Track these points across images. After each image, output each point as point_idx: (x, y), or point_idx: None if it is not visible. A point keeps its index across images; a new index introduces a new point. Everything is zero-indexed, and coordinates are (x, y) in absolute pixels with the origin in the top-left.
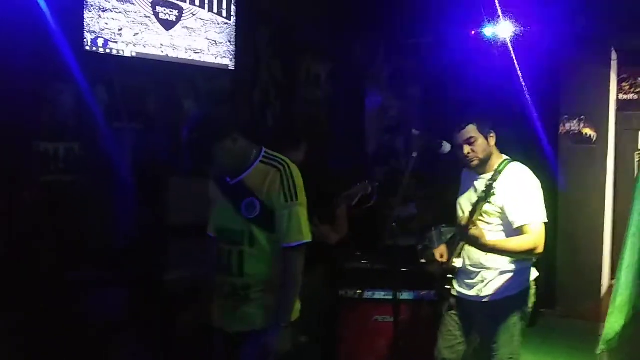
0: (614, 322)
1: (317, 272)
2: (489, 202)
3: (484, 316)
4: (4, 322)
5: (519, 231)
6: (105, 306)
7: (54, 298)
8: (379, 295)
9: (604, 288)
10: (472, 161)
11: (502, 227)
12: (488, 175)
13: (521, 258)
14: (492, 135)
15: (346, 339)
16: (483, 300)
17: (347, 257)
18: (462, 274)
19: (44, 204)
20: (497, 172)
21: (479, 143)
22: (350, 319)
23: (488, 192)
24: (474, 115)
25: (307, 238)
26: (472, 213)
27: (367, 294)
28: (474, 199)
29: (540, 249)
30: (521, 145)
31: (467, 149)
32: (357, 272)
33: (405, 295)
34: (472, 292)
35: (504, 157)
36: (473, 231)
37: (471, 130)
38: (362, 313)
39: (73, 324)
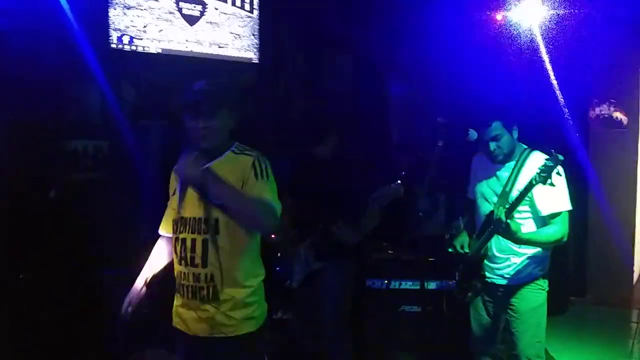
0: None
1: (346, 264)
2: (520, 191)
3: (510, 300)
4: (35, 318)
5: (545, 219)
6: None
7: (85, 295)
8: (406, 285)
9: (636, 275)
10: (498, 156)
11: (530, 215)
12: (511, 164)
13: (548, 248)
14: (515, 129)
15: (373, 329)
16: (509, 284)
17: (373, 248)
18: (489, 260)
19: (74, 201)
20: (521, 161)
21: (505, 139)
22: (377, 310)
23: (548, 175)
24: (498, 111)
25: (278, 207)
26: (513, 205)
27: (394, 284)
28: (498, 189)
29: (566, 238)
30: (550, 131)
31: (493, 145)
32: (383, 262)
33: (432, 285)
34: (498, 277)
35: (523, 145)
36: (512, 225)
37: (497, 127)
38: (389, 303)
39: (104, 320)
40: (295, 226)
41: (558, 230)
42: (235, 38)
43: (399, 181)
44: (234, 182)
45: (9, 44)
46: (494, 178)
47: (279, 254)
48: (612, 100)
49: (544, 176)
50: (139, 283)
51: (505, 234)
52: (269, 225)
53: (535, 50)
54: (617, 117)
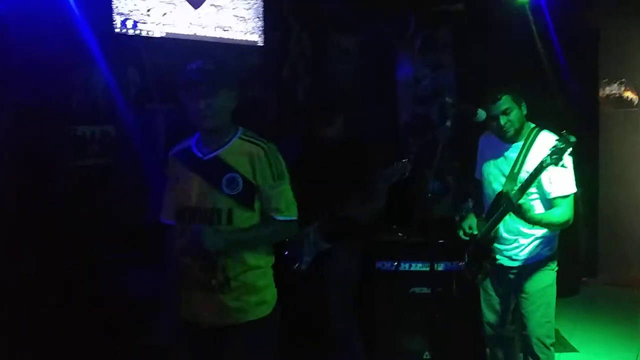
0: None
1: (354, 245)
2: (528, 172)
3: (519, 281)
4: (43, 304)
5: (552, 201)
6: (141, 286)
7: (93, 280)
8: (416, 267)
9: None
10: (509, 131)
11: (537, 197)
12: (519, 144)
13: (555, 230)
14: (523, 104)
15: (383, 311)
16: (518, 265)
17: (383, 230)
18: (498, 241)
19: (81, 186)
20: (530, 141)
21: (515, 113)
22: (387, 291)
23: (560, 156)
24: (507, 86)
25: (295, 215)
26: (526, 186)
27: (404, 266)
28: (506, 169)
29: (572, 221)
30: (559, 111)
31: (504, 119)
32: (393, 244)
33: (441, 267)
34: (507, 258)
35: (531, 124)
36: (525, 205)
37: (506, 101)
38: (398, 285)
39: (111, 304)
40: (303, 209)
41: (565, 213)
42: (240, 21)
43: (405, 160)
44: (244, 172)
45: (11, 28)
46: (502, 158)
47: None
48: (622, 80)
49: (555, 158)
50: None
51: (517, 214)
52: (290, 237)
53: (543, 29)
54: (627, 97)
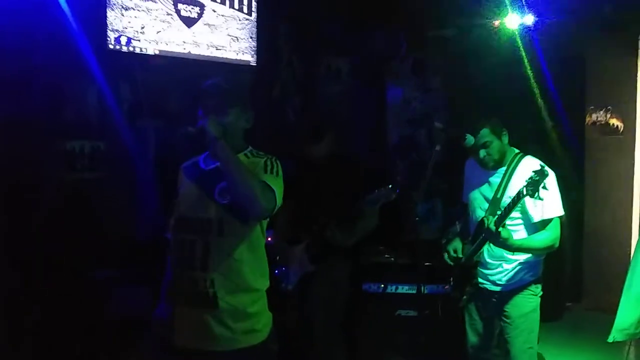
0: (628, 311)
1: (340, 266)
2: (511, 198)
3: (503, 305)
4: (30, 319)
5: (537, 225)
6: (130, 303)
7: (79, 296)
8: (402, 289)
9: None
10: (489, 163)
11: (521, 222)
12: (502, 170)
13: (541, 254)
14: (505, 133)
15: (369, 333)
16: (502, 289)
17: (370, 252)
18: (481, 266)
19: (70, 201)
20: (512, 167)
21: (494, 145)
22: (373, 314)
23: (535, 188)
24: (486, 118)
25: (278, 195)
26: (503, 215)
27: (390, 289)
28: (490, 194)
29: (557, 244)
30: (546, 137)
31: (482, 152)
32: (380, 266)
33: (428, 289)
34: (490, 283)
35: (515, 150)
36: (503, 233)
37: (485, 134)
38: (385, 307)
39: (98, 321)
40: (292, 229)
41: (549, 237)
42: (233, 40)
43: (390, 185)
44: None
45: (5, 43)
46: (486, 184)
47: (277, 258)
48: (608, 107)
49: (531, 189)
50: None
51: (496, 242)
52: (266, 209)
53: (531, 56)
54: (613, 124)
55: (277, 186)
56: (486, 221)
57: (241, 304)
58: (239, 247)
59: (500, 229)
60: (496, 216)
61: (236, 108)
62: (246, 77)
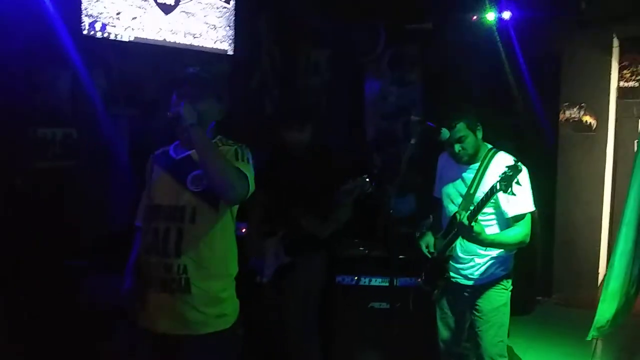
0: (605, 309)
1: (316, 258)
2: (484, 193)
3: (474, 299)
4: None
5: (509, 221)
6: (102, 293)
7: (51, 285)
8: (376, 282)
9: (601, 277)
10: (463, 158)
11: (494, 217)
12: (476, 165)
13: (512, 250)
14: (479, 129)
15: (342, 325)
16: (473, 284)
17: (344, 244)
18: (454, 260)
19: (41, 189)
20: (486, 162)
21: (469, 140)
22: (347, 306)
23: (508, 184)
24: (462, 113)
25: (250, 179)
26: (476, 210)
27: (364, 281)
28: (463, 190)
29: (528, 240)
30: (520, 133)
31: (457, 147)
32: (354, 259)
33: (401, 282)
34: (462, 277)
35: (488, 145)
36: (476, 228)
37: (461, 129)
38: (358, 300)
39: (70, 311)
40: (267, 221)
41: (520, 233)
42: (211, 29)
43: (366, 176)
44: None
45: None
46: (459, 180)
47: (251, 249)
48: (582, 104)
49: (504, 185)
50: (129, 277)
51: (468, 237)
52: (240, 195)
53: (507, 52)
54: (586, 121)
55: (249, 172)
56: (459, 216)
57: (213, 289)
58: (210, 233)
59: (473, 223)
60: (469, 211)
61: (211, 98)
62: (223, 67)
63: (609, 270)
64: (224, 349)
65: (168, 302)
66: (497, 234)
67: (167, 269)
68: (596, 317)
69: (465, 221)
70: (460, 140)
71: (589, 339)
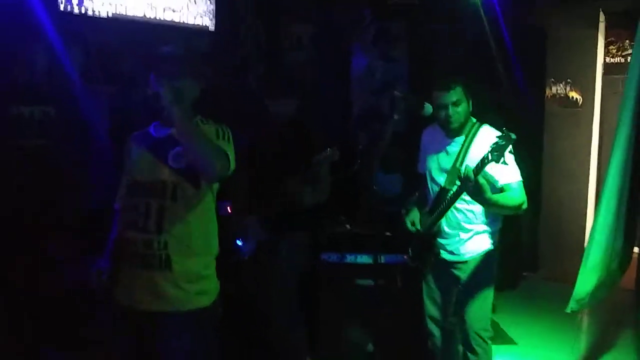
0: (585, 281)
1: (297, 237)
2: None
3: (459, 274)
4: None
5: (500, 190)
6: (83, 273)
7: (31, 266)
8: (361, 259)
9: None
10: (454, 124)
11: None
12: (461, 139)
13: (510, 213)
14: (470, 100)
15: (327, 302)
16: (459, 259)
17: (329, 221)
18: (439, 235)
19: (19, 167)
20: (471, 136)
21: (463, 106)
22: (332, 283)
23: (500, 153)
24: (461, 78)
25: (232, 161)
26: (481, 166)
27: (349, 258)
28: (448, 164)
29: (525, 206)
30: (506, 108)
31: (452, 109)
32: (339, 236)
33: (387, 259)
34: (448, 252)
35: (473, 119)
36: (481, 182)
37: (458, 92)
38: (343, 277)
39: (51, 291)
40: (249, 198)
41: (519, 197)
42: (191, 3)
43: (333, 147)
44: None
45: None
46: (444, 153)
47: (234, 228)
48: (568, 80)
49: (496, 154)
50: (107, 256)
51: (473, 192)
52: (220, 172)
53: (493, 27)
54: (572, 97)
55: (230, 151)
56: (462, 171)
57: (194, 266)
58: (191, 211)
59: (479, 177)
60: (472, 168)
61: (189, 76)
62: (204, 42)
63: (589, 243)
64: (204, 326)
65: (148, 278)
66: (499, 194)
67: (148, 245)
68: (575, 290)
69: (471, 175)
70: (456, 104)
71: (567, 311)
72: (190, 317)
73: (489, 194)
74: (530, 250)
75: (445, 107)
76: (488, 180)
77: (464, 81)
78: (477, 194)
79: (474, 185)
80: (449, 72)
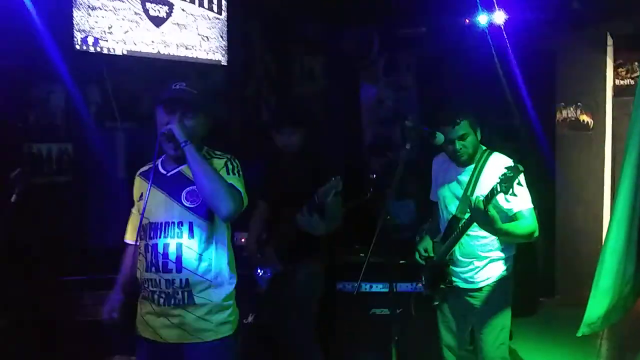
0: (596, 305)
1: (313, 266)
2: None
3: (475, 302)
4: None
5: (511, 219)
6: (99, 308)
7: (47, 301)
8: (377, 288)
9: None
10: (462, 157)
11: None
12: (471, 167)
13: (522, 242)
14: (479, 129)
15: (343, 332)
16: (474, 287)
17: (344, 251)
18: (452, 264)
19: (37, 205)
20: (481, 164)
21: (470, 139)
22: (348, 312)
23: (509, 184)
24: (467, 111)
25: (245, 197)
26: (490, 196)
27: (364, 287)
28: (459, 192)
29: (537, 232)
30: (517, 134)
31: (459, 144)
32: (354, 265)
33: (402, 288)
34: (462, 281)
35: (483, 147)
36: (491, 212)
37: (464, 126)
38: (359, 306)
39: (69, 326)
40: (264, 229)
41: (530, 225)
42: (203, 40)
43: (338, 176)
44: None
45: None
46: (455, 182)
47: (250, 260)
48: (579, 104)
49: (505, 186)
50: (118, 291)
51: (483, 222)
52: (235, 210)
53: (502, 54)
54: (583, 120)
55: (241, 186)
56: (472, 200)
57: (216, 298)
58: (209, 245)
59: (489, 207)
60: (482, 198)
61: (201, 114)
62: (217, 77)
63: (599, 266)
64: (227, 355)
65: (171, 314)
66: (511, 223)
67: (169, 284)
68: (586, 313)
69: (481, 206)
70: (462, 138)
71: (578, 335)
72: (213, 346)
73: (499, 224)
74: (547, 276)
75: (452, 142)
76: (500, 209)
77: (470, 113)
78: (487, 225)
79: (484, 215)
80: (455, 104)
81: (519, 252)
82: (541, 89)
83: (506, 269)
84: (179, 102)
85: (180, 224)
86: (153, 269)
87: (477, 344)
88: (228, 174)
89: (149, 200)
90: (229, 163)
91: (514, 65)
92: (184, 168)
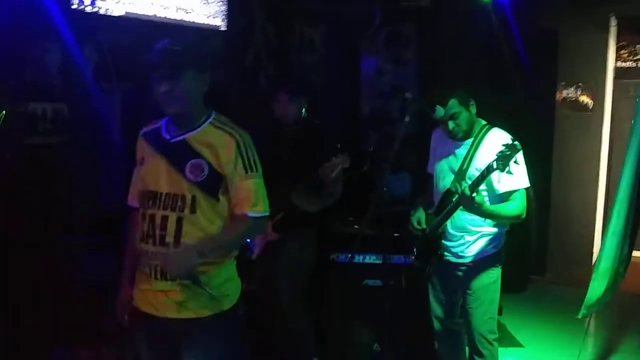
0: (596, 287)
1: (306, 236)
2: (478, 169)
3: (465, 276)
4: None
5: (503, 196)
6: (94, 271)
7: (44, 263)
8: (370, 259)
9: (595, 256)
10: (458, 134)
11: (486, 194)
12: (469, 141)
13: (508, 223)
14: (472, 103)
15: (336, 302)
16: (464, 261)
17: (338, 222)
18: (444, 238)
19: (31, 165)
20: (479, 138)
21: (463, 116)
22: (340, 283)
23: (505, 162)
24: (453, 89)
25: (267, 211)
26: (477, 182)
27: (358, 258)
28: (456, 166)
29: (524, 215)
30: (516, 111)
31: (451, 124)
32: (348, 236)
33: (395, 260)
34: (453, 255)
35: (482, 121)
36: (477, 198)
37: (454, 105)
38: (352, 277)
39: (64, 288)
40: None
41: (518, 207)
42: (203, 4)
43: (345, 152)
44: (210, 159)
45: None
46: (452, 156)
47: None
48: (579, 84)
49: (501, 164)
50: (126, 287)
51: (469, 208)
52: (264, 229)
53: (504, 31)
54: (583, 101)
55: (261, 187)
56: (459, 187)
57: (214, 273)
58: (212, 221)
59: (475, 194)
60: (467, 184)
61: (190, 72)
62: (216, 42)
63: (601, 249)
64: (228, 328)
65: (169, 287)
66: (497, 205)
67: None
68: (587, 296)
69: (467, 192)
70: (453, 117)
71: (579, 316)
72: (214, 319)
73: (485, 207)
74: (538, 254)
75: (444, 122)
76: (491, 189)
77: (459, 90)
78: (473, 209)
79: (470, 201)
80: (444, 83)
81: (513, 229)
82: (543, 68)
83: (496, 245)
84: (164, 65)
85: (183, 197)
86: (149, 240)
87: (465, 318)
88: (246, 172)
89: (149, 166)
90: (242, 149)
91: (515, 42)
92: (189, 137)
